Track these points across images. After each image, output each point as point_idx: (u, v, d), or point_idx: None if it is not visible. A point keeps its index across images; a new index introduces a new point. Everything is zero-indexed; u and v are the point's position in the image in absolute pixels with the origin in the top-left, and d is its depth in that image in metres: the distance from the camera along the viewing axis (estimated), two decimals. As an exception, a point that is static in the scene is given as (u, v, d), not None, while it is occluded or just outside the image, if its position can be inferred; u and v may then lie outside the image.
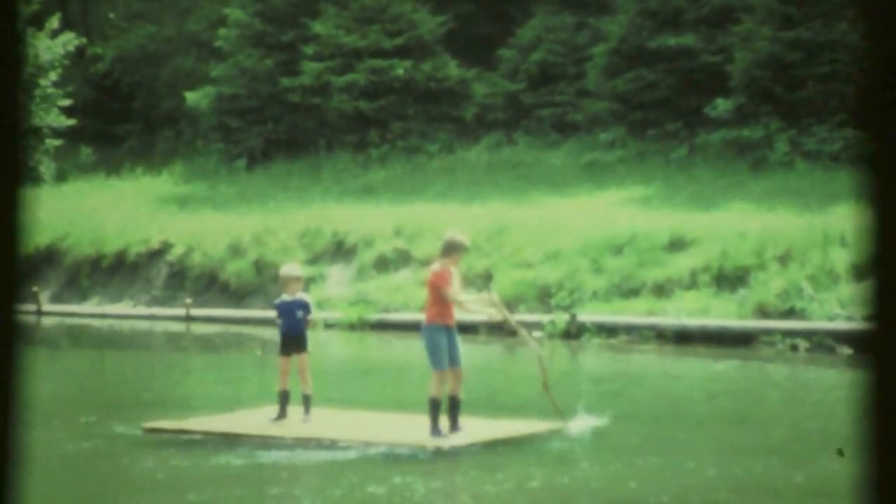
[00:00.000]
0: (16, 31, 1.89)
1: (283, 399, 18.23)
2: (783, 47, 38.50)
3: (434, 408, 17.20)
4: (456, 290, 17.36)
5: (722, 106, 38.98)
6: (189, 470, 15.99)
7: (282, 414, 18.16)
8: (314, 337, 29.08)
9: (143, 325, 34.22)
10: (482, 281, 16.78)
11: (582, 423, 17.79)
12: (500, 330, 27.67)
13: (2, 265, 1.87)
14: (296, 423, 17.91)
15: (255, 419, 18.44)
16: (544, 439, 17.43)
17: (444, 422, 17.16)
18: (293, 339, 18.34)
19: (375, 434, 17.41)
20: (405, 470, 15.85)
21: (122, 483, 15.91)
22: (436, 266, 17.63)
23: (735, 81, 39.18)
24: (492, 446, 17.00)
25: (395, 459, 16.40)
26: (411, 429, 17.69)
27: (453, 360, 17.35)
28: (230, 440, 17.44)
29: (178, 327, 33.72)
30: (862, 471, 2.00)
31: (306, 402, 18.19)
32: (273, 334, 31.29)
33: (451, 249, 17.50)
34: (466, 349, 29.80)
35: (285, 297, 18.65)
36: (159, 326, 34.04)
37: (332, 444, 17.17)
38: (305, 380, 18.22)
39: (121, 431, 18.20)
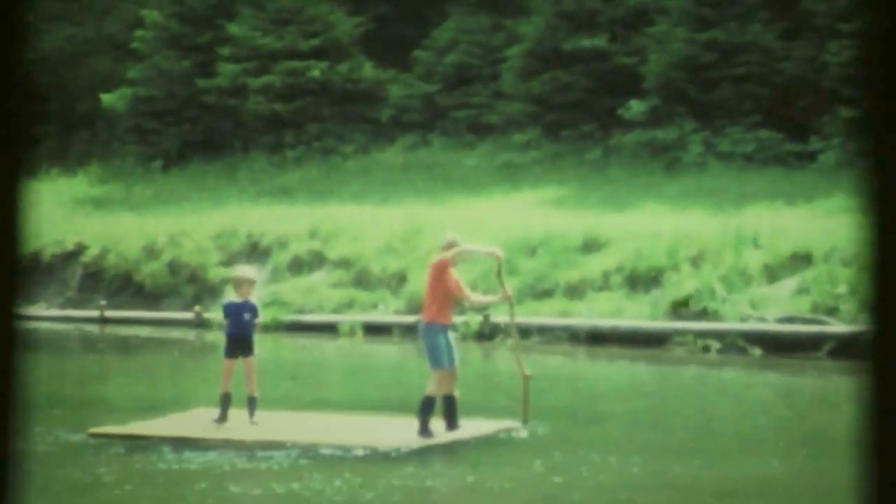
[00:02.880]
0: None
1: (225, 401, 18.18)
2: (697, 49, 38.91)
3: (428, 408, 17.33)
4: (461, 287, 17.86)
5: (636, 107, 39.28)
6: (142, 473, 15.99)
7: (223, 416, 18.09)
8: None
9: (57, 327, 34.06)
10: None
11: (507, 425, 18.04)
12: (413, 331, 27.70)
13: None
14: (246, 426, 17.85)
15: (196, 422, 18.36)
16: (484, 440, 17.58)
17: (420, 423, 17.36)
18: (239, 342, 18.33)
19: (332, 436, 17.42)
20: (361, 470, 15.93)
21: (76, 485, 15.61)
22: (433, 260, 17.99)
23: (649, 83, 39.56)
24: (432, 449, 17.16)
25: (343, 460, 16.44)
26: (365, 429, 17.88)
27: (450, 360, 17.44)
28: (182, 444, 17.30)
29: (92, 329, 33.63)
30: (861, 471, 2.05)
31: (252, 404, 18.14)
32: (186, 335, 31.55)
33: (451, 246, 17.68)
34: (381, 351, 29.88)
35: (234, 298, 18.66)
36: (74, 328, 33.90)
37: (294, 447, 17.01)
38: (252, 383, 18.19)
39: (62, 434, 18.02)
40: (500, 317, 20.69)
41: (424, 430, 17.20)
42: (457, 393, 17.52)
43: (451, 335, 17.60)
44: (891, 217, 2.05)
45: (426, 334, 17.52)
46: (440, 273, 17.42)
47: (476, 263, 26.09)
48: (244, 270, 20.09)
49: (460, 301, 18.08)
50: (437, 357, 17.32)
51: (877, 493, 2.04)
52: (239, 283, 18.94)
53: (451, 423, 17.46)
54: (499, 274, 18.48)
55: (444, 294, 17.44)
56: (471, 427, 17.68)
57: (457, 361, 17.54)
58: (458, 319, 28.84)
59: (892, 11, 2.04)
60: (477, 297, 18.95)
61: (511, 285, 18.60)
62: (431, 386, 17.37)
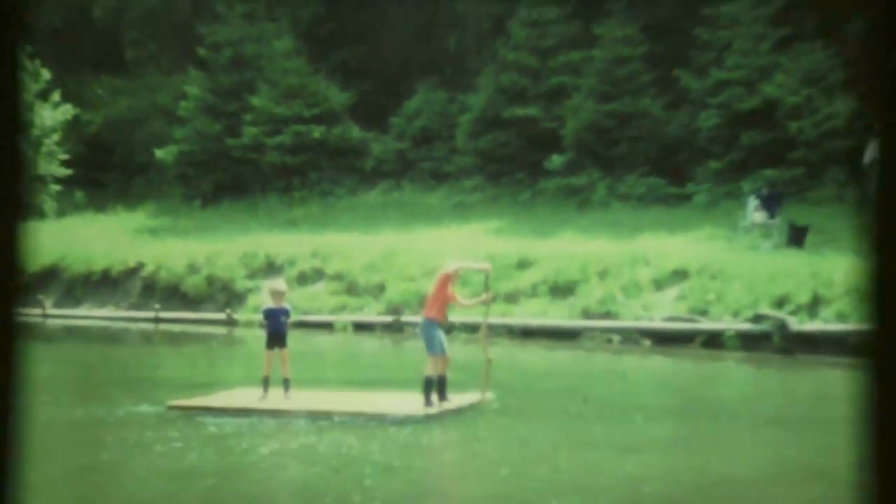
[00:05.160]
0: (20, 101, 1.78)
1: (266, 382, 18.26)
2: (602, 116, 38.88)
3: (427, 386, 17.40)
4: (455, 295, 17.91)
5: (556, 160, 39.27)
6: (207, 434, 15.98)
7: (265, 394, 18.13)
8: (250, 335, 29.12)
9: (122, 325, 34.03)
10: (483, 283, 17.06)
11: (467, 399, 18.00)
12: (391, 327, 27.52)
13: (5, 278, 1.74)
14: (283, 400, 17.89)
15: (244, 397, 18.33)
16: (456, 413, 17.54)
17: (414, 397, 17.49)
18: (276, 337, 18.39)
19: (358, 406, 17.41)
20: (368, 435, 15.87)
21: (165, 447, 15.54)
22: (440, 273, 17.96)
23: (566, 142, 39.50)
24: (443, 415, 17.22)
25: (371, 427, 16.38)
26: (373, 401, 17.84)
27: (442, 349, 17.44)
28: (238, 412, 17.38)
29: (149, 327, 33.54)
30: (860, 472, 1.72)
31: (287, 384, 18.27)
32: (220, 331, 31.51)
33: (451, 266, 18.01)
34: (366, 342, 29.84)
35: (272, 304, 18.73)
36: (134, 326, 33.81)
37: (321, 415, 17.06)
38: (286, 368, 18.30)
39: (142, 407, 18.08)
40: (476, 315, 20.81)
41: (428, 402, 17.31)
42: (448, 374, 17.63)
43: (442, 330, 17.62)
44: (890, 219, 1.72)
45: (426, 328, 17.56)
46: (444, 284, 17.55)
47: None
48: (279, 284, 20.08)
49: (454, 305, 18.04)
50: (432, 345, 17.40)
51: (877, 493, 1.69)
52: (276, 294, 19.11)
53: (442, 396, 17.51)
54: (486, 282, 18.71)
55: (443, 300, 17.56)
56: (456, 399, 17.72)
57: (446, 350, 17.53)
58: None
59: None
60: (466, 301, 19.01)
61: (463, 293, 18.68)
62: (428, 368, 17.44)
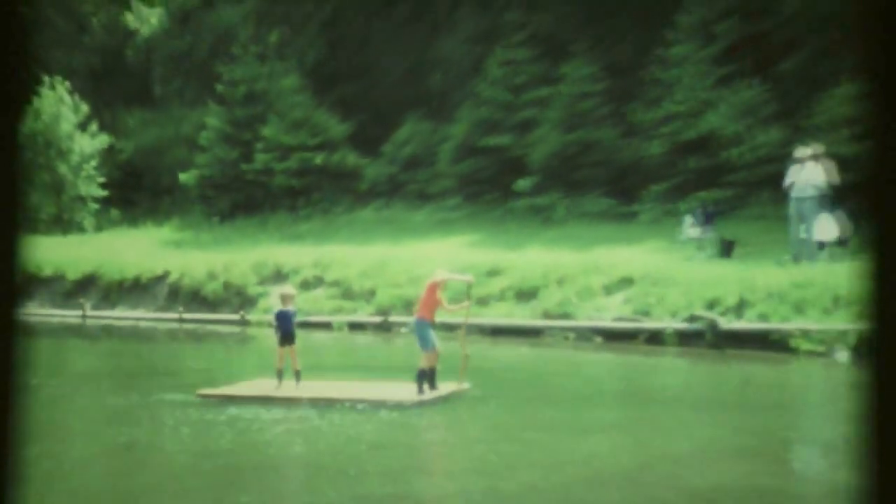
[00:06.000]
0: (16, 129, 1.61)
1: (280, 374, 18.45)
2: (565, 145, 38.60)
3: (421, 377, 17.48)
4: (443, 300, 17.87)
5: (524, 183, 39.06)
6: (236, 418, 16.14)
7: (279, 383, 18.30)
8: (261, 333, 29.20)
9: (151, 325, 34.02)
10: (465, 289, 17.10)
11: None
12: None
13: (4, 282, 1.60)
14: (294, 389, 17.97)
15: (263, 387, 18.37)
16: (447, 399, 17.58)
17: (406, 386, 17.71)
18: (288, 336, 18.56)
19: (360, 394, 17.45)
20: (365, 418, 16.03)
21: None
22: (430, 281, 18.01)
23: (533, 167, 39.24)
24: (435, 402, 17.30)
25: (369, 412, 16.50)
26: (373, 390, 17.84)
27: (432, 345, 17.54)
28: (258, 400, 17.47)
29: (174, 326, 33.55)
30: (860, 472, 1.56)
31: (298, 375, 18.42)
32: (234, 330, 31.49)
33: (440, 276, 18.10)
34: (359, 340, 29.76)
35: (282, 308, 18.93)
36: (161, 326, 33.83)
37: (328, 401, 17.09)
38: (296, 361, 18.47)
39: (174, 395, 18.15)
40: (455, 318, 20.83)
41: (420, 390, 17.41)
42: (438, 366, 17.75)
43: (431, 329, 17.74)
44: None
45: (419, 327, 17.70)
46: (433, 290, 17.69)
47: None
48: (289, 289, 20.24)
49: (440, 308, 18.01)
50: (425, 342, 17.53)
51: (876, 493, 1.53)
52: (286, 298, 19.29)
53: (433, 386, 17.62)
54: (468, 291, 18.89)
55: (433, 303, 17.68)
56: (444, 387, 17.82)
57: (436, 346, 17.64)
58: (408, 320, 29.08)
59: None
60: (451, 307, 19.07)
61: (445, 297, 18.74)
62: (422, 362, 17.54)
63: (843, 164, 26.89)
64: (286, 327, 18.67)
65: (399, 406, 16.86)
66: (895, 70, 1.53)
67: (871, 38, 1.53)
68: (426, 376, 17.61)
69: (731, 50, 36.71)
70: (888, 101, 1.54)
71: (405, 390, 17.72)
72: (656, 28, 38.14)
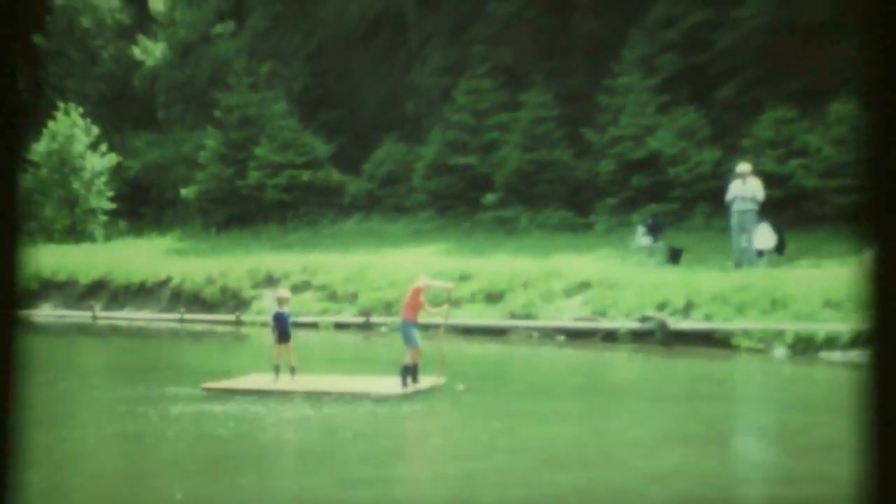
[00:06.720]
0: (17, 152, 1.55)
1: (277, 370, 18.32)
2: (525, 164, 38.81)
3: (405, 372, 17.36)
4: (424, 303, 17.83)
5: (490, 198, 39.25)
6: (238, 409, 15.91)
7: (276, 377, 18.17)
8: (254, 333, 29.01)
9: (155, 325, 33.79)
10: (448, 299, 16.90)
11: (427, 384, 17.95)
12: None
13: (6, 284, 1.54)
14: (290, 383, 17.82)
15: (260, 381, 18.21)
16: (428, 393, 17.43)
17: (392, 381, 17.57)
18: (284, 335, 18.52)
19: (348, 387, 17.29)
20: (353, 409, 15.93)
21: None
22: (414, 286, 17.95)
23: (498, 184, 39.43)
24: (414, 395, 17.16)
25: (356, 403, 16.38)
26: (360, 384, 17.68)
27: (416, 343, 17.47)
28: (260, 394, 17.30)
29: (175, 326, 33.33)
30: (860, 472, 1.46)
31: (293, 370, 18.30)
32: (230, 330, 31.33)
33: (422, 282, 18.02)
34: (343, 339, 29.64)
35: (279, 310, 18.85)
36: (164, 325, 33.59)
37: (319, 394, 16.95)
38: (291, 358, 18.35)
39: (178, 389, 17.93)
40: (432, 319, 20.82)
41: (404, 384, 17.28)
42: (419, 362, 17.67)
43: (415, 329, 17.68)
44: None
45: (404, 327, 17.60)
46: (416, 294, 17.63)
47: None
48: (284, 293, 20.11)
49: (423, 310, 17.91)
50: (410, 340, 17.44)
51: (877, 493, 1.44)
52: (282, 300, 19.18)
53: (415, 380, 17.52)
54: (448, 296, 18.87)
55: (416, 306, 17.62)
56: (425, 382, 17.74)
57: (419, 345, 17.57)
58: (388, 320, 29.16)
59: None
60: (432, 310, 18.94)
61: (426, 300, 18.65)
62: (407, 358, 17.41)
63: (767, 180, 28.44)
64: (283, 327, 18.63)
65: (383, 398, 16.75)
66: (893, 81, 1.47)
67: (870, 57, 1.48)
68: (409, 371, 17.50)
69: (671, 80, 37.35)
70: (886, 109, 1.48)
71: (390, 384, 17.61)
72: (604, 61, 38.64)
